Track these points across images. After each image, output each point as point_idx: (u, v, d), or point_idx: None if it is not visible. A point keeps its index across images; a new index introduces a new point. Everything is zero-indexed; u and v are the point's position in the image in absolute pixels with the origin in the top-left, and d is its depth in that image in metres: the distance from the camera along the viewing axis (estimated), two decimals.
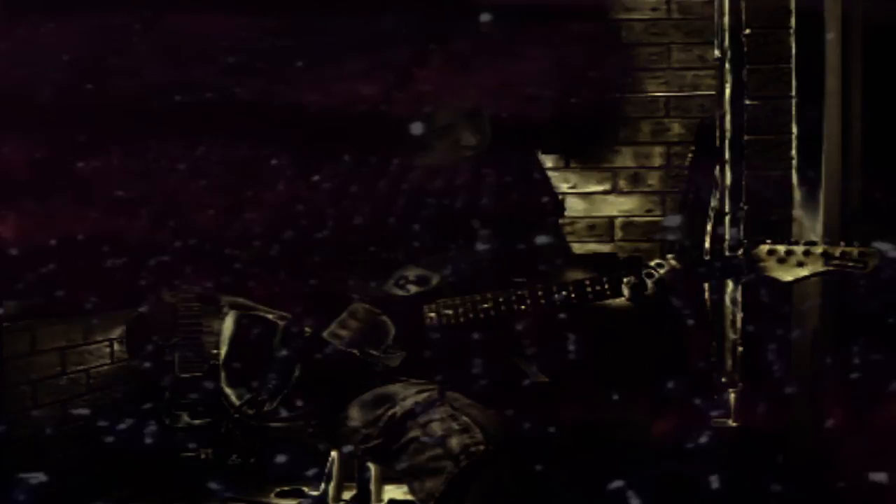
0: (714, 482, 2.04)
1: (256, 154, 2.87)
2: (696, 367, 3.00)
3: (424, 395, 2.10)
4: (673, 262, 2.10)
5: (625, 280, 2.10)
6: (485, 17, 2.75)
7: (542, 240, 2.35)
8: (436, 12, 2.91)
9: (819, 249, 2.03)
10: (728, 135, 2.89)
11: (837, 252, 2.02)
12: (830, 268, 2.03)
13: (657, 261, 2.11)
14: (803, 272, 2.05)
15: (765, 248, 2.06)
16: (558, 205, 2.51)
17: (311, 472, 3.25)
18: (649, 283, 2.08)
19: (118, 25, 2.94)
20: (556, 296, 2.13)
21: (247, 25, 3.04)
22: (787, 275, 2.05)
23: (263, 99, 2.98)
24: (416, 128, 2.31)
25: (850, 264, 2.01)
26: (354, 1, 3.04)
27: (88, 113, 2.91)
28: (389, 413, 2.10)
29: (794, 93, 2.80)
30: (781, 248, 2.05)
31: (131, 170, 2.98)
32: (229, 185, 2.97)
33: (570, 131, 2.23)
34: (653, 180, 3.97)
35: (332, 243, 2.26)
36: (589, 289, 2.12)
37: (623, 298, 2.15)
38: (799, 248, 2.04)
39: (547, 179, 2.51)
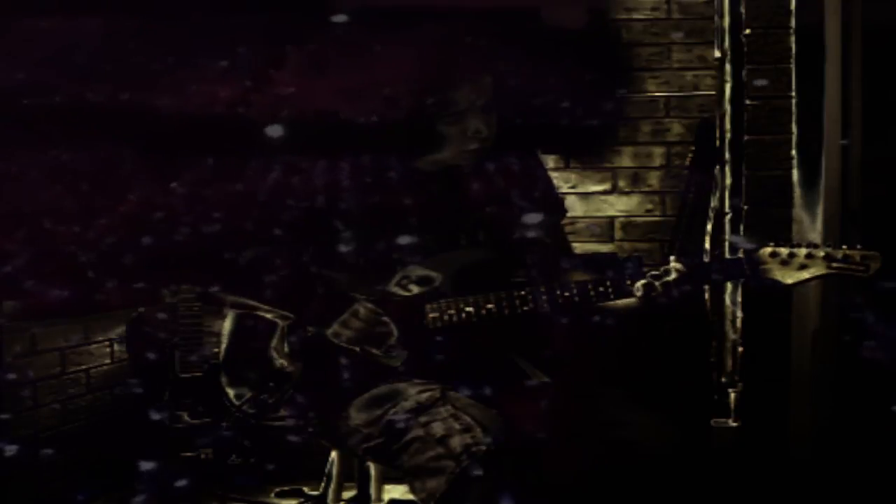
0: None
1: (109, 158, 2.84)
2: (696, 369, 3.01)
3: (426, 394, 2.10)
4: (678, 265, 2.10)
5: (636, 284, 2.10)
6: (340, 18, 2.74)
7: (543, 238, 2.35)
8: (290, 13, 2.88)
9: (821, 252, 2.04)
10: (728, 135, 2.89)
11: (840, 255, 2.02)
12: (832, 271, 2.03)
13: (664, 267, 2.11)
14: (805, 275, 2.05)
15: (767, 250, 2.07)
16: (560, 205, 2.52)
17: None
18: (657, 284, 2.09)
19: None
20: (559, 297, 2.14)
21: (96, 27, 2.99)
22: (789, 277, 2.06)
23: (114, 102, 2.94)
24: (275, 130, 2.31)
25: (852, 267, 2.01)
26: (206, 1, 3.00)
27: None
28: (391, 412, 2.10)
29: (794, 93, 2.80)
30: (784, 251, 2.05)
31: None
32: (81, 190, 2.94)
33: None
34: (653, 180, 3.97)
35: (191, 247, 2.25)
36: (592, 290, 2.13)
37: (622, 300, 2.15)
38: (801, 251, 2.04)
39: (549, 180, 2.51)
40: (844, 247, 2.02)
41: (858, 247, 2.02)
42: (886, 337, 2.55)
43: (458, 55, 2.27)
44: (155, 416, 3.28)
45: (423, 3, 2.90)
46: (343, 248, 2.26)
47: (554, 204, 2.47)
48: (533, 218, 2.35)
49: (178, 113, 2.90)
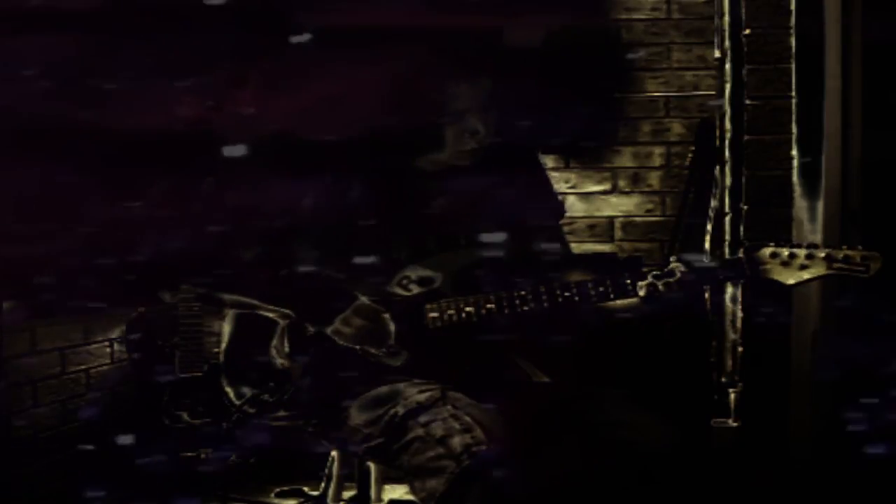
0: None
1: (73, 177, 2.83)
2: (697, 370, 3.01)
3: (426, 394, 2.10)
4: (680, 266, 2.10)
5: (640, 283, 2.10)
6: (304, 38, 2.74)
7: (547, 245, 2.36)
8: (254, 32, 2.88)
9: (822, 253, 2.03)
10: (728, 135, 2.89)
11: (840, 255, 2.02)
12: (833, 271, 2.03)
13: (667, 268, 2.11)
14: (806, 275, 2.05)
15: (768, 250, 2.06)
16: (560, 207, 2.52)
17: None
18: (660, 284, 2.09)
19: None
20: (559, 297, 2.13)
21: (59, 46, 2.98)
22: (790, 278, 2.05)
23: (77, 121, 2.93)
24: (237, 149, 2.31)
25: (853, 267, 2.01)
26: (167, 20, 2.99)
27: None
28: (391, 412, 2.11)
29: (794, 93, 2.80)
30: (784, 251, 2.05)
31: None
32: (45, 209, 2.93)
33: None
34: (653, 180, 3.98)
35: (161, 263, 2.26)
36: (592, 290, 2.12)
37: (623, 300, 2.15)
38: (802, 252, 2.04)
39: (549, 182, 2.51)
40: (845, 247, 2.02)
41: (859, 247, 2.02)
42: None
43: (422, 74, 2.28)
44: (155, 416, 3.29)
45: (386, 24, 2.91)
46: (341, 250, 2.27)
47: (552, 204, 2.47)
48: (531, 218, 2.35)
49: (141, 131, 2.90)
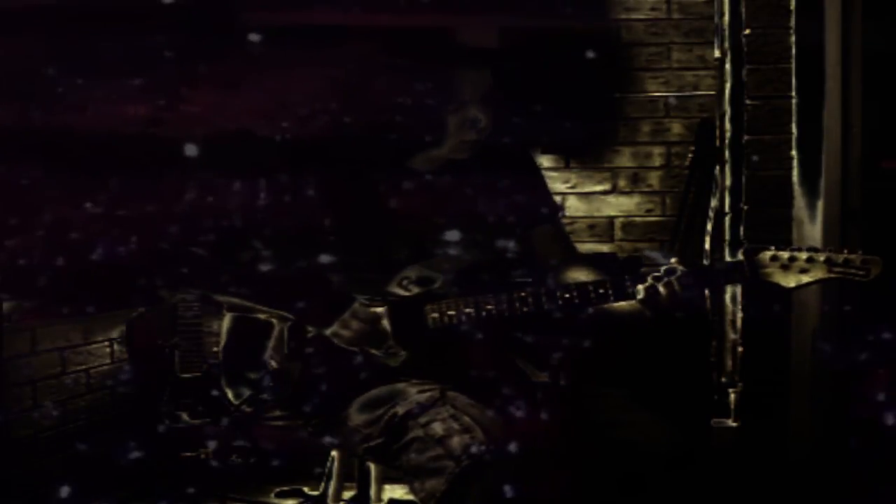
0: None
1: (19, 179, 2.82)
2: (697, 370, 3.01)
3: (426, 394, 2.10)
4: (680, 268, 2.10)
5: (639, 286, 2.10)
6: (254, 38, 2.74)
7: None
8: (203, 32, 2.87)
9: (822, 256, 2.02)
10: (728, 135, 2.89)
11: (840, 259, 2.01)
12: (833, 275, 2.02)
13: (667, 267, 2.11)
14: (806, 279, 2.04)
15: (768, 254, 2.06)
16: (556, 207, 2.51)
17: None
18: (660, 286, 2.08)
19: None
20: (559, 298, 2.13)
21: (4, 47, 2.98)
22: (790, 281, 2.05)
23: (24, 122, 2.92)
24: (190, 149, 2.31)
25: (853, 271, 2.00)
26: (117, 19, 2.98)
27: None
28: (390, 413, 2.10)
29: (794, 93, 2.80)
30: (785, 255, 2.04)
31: None
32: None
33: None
34: (653, 180, 3.98)
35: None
36: (592, 291, 2.12)
37: (624, 301, 2.15)
38: (802, 255, 2.03)
39: (544, 181, 2.51)
40: (846, 251, 2.01)
41: (859, 251, 2.01)
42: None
43: (374, 74, 2.28)
44: (154, 416, 3.28)
45: (338, 23, 2.90)
46: (340, 250, 2.26)
47: (550, 204, 2.47)
48: (529, 218, 2.35)
49: (90, 132, 2.89)
